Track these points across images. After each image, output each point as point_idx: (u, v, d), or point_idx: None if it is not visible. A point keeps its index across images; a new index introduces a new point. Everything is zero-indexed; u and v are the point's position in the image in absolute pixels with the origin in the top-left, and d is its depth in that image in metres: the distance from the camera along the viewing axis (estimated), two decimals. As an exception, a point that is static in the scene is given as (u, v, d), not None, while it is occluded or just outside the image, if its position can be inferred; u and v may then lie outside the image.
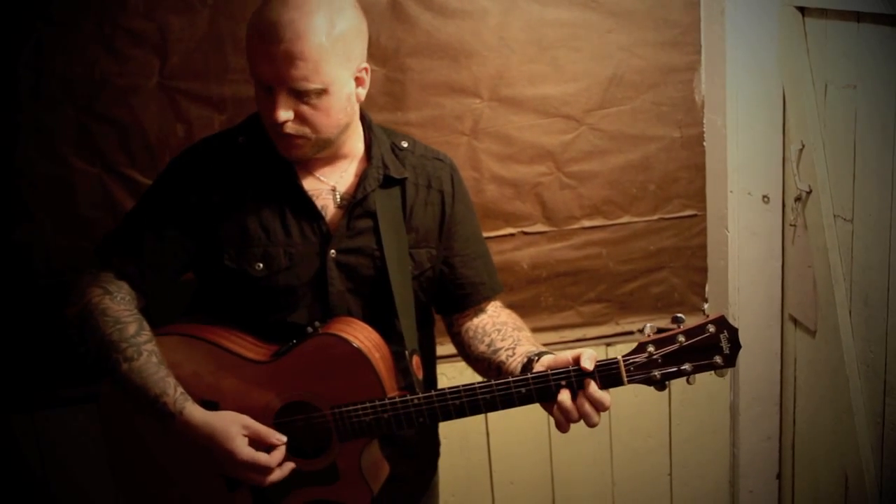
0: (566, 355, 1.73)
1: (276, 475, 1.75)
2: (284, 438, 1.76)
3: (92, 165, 2.54)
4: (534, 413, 1.78)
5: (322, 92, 1.72)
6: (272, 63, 1.69)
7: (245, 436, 1.73)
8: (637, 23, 2.66)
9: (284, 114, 1.73)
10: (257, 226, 1.84)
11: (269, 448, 1.75)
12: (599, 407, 1.70)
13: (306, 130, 1.76)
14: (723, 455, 3.02)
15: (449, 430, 2.16)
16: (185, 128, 2.55)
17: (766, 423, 2.94)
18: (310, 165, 1.88)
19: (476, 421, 2.62)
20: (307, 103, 1.73)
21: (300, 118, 1.75)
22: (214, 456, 1.73)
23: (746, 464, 2.98)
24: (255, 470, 1.73)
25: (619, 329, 2.89)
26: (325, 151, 1.84)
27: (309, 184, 1.87)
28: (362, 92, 1.83)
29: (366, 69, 1.81)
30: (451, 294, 2.00)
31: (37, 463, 2.66)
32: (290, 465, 1.78)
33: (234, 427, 1.73)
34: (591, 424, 1.71)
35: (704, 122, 2.77)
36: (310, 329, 1.82)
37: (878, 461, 2.39)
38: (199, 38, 2.51)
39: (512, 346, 1.90)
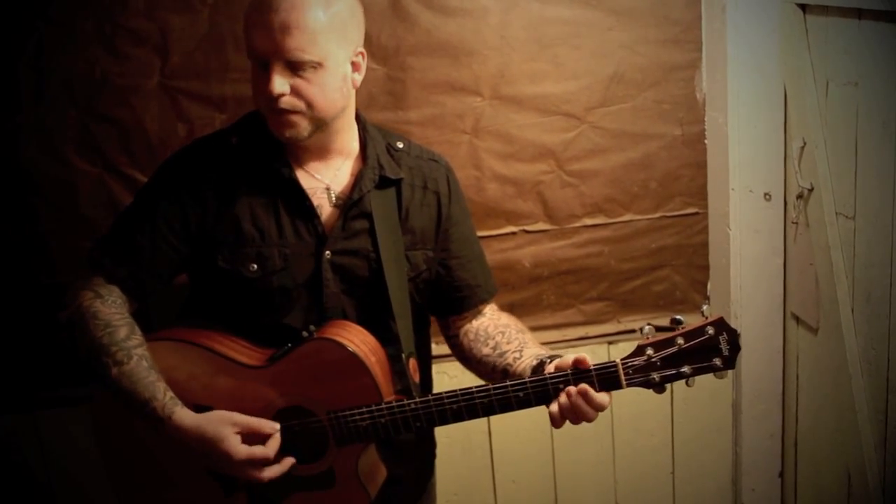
0: (568, 359, 1.73)
1: (276, 470, 1.74)
2: (277, 426, 1.74)
3: (93, 165, 2.54)
4: (536, 412, 1.78)
5: (317, 65, 1.72)
6: (268, 33, 1.69)
7: (237, 433, 1.72)
8: (638, 20, 2.65)
9: (280, 85, 1.72)
10: (251, 226, 1.83)
11: (263, 439, 1.73)
12: (598, 408, 1.71)
13: (301, 105, 1.75)
14: (725, 453, 3.01)
15: (451, 430, 2.14)
16: (187, 127, 2.56)
17: (768, 421, 2.93)
18: (303, 160, 1.87)
19: (478, 420, 2.58)
20: (302, 77, 1.73)
21: (295, 92, 1.74)
22: (210, 458, 1.73)
23: (749, 462, 2.97)
24: (253, 465, 1.72)
25: (620, 327, 2.88)
26: (318, 136, 1.82)
27: (303, 181, 1.86)
28: (358, 77, 1.83)
29: (362, 54, 1.82)
30: (448, 296, 1.99)
31: (37, 463, 2.66)
32: (290, 461, 1.76)
33: (224, 428, 1.71)
34: (587, 420, 1.72)
35: (706, 119, 2.76)
36: (305, 333, 1.81)
37: (880, 459, 2.38)
38: (200, 37, 2.51)
39: (519, 348, 1.90)
